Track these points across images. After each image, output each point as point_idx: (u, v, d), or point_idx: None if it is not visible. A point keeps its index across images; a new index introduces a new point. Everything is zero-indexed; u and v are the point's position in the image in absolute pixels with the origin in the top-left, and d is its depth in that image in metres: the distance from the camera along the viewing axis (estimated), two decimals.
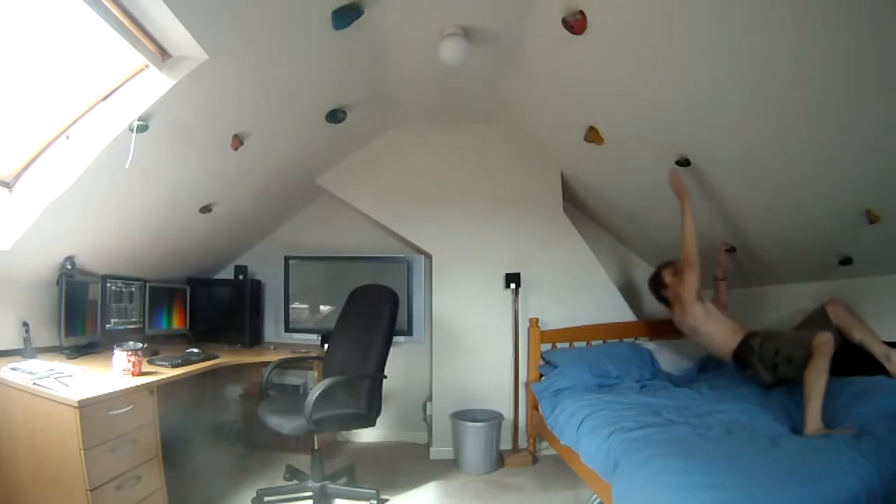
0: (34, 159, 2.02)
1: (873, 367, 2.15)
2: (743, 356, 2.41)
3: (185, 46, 1.75)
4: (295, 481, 2.62)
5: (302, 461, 2.72)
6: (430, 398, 3.41)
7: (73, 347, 2.34)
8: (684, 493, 1.45)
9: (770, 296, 3.02)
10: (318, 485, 2.43)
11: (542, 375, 3.09)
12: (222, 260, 3.76)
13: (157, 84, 1.84)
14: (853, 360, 2.28)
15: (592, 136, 2.72)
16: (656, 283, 2.90)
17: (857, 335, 2.18)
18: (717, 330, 2.53)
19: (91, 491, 1.66)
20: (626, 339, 3.28)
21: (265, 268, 3.70)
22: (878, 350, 2.13)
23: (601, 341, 3.26)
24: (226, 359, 2.81)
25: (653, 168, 2.57)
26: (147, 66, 1.81)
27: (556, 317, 3.28)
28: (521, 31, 2.30)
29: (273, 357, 2.94)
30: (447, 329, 3.35)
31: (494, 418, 3.09)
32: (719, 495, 1.40)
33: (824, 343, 2.06)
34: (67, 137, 1.97)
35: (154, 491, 1.98)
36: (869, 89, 1.53)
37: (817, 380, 1.95)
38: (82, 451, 1.65)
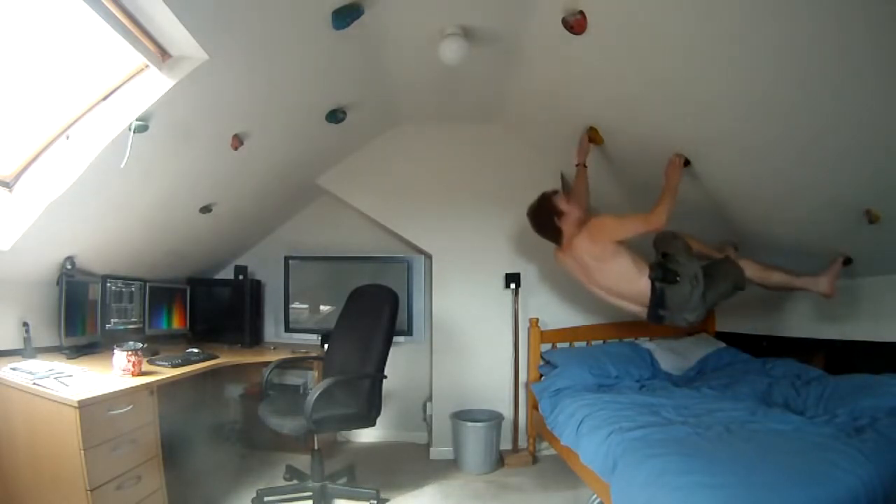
0: (34, 159, 2.02)
1: (872, 366, 2.15)
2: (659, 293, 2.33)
3: (185, 46, 1.75)
4: (295, 481, 2.62)
5: (302, 461, 2.72)
6: (430, 398, 3.41)
7: (73, 347, 2.34)
8: (683, 493, 1.45)
9: (770, 295, 3.00)
10: (318, 485, 2.43)
11: (541, 375, 3.09)
12: (222, 260, 3.76)
13: (157, 84, 1.84)
14: (853, 360, 2.29)
15: (592, 135, 2.71)
16: (547, 211, 2.46)
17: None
18: (627, 265, 2.40)
19: (91, 491, 1.66)
20: (625, 339, 3.28)
21: (265, 268, 3.70)
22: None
23: (601, 341, 3.26)
24: (226, 359, 2.81)
25: (654, 168, 2.56)
26: (147, 66, 1.81)
27: (556, 317, 3.28)
28: (521, 31, 2.30)
29: (273, 357, 2.94)
30: (447, 329, 3.34)
31: (494, 418, 3.09)
32: (719, 495, 1.41)
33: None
34: (67, 137, 1.97)
35: (154, 491, 1.98)
36: (869, 88, 1.53)
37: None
38: (82, 451, 1.65)
